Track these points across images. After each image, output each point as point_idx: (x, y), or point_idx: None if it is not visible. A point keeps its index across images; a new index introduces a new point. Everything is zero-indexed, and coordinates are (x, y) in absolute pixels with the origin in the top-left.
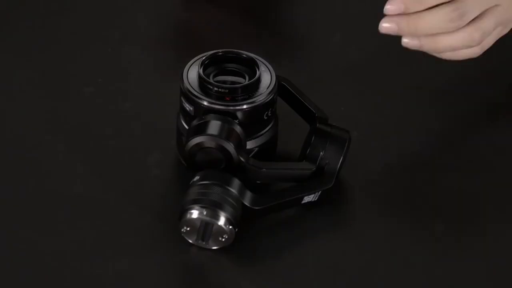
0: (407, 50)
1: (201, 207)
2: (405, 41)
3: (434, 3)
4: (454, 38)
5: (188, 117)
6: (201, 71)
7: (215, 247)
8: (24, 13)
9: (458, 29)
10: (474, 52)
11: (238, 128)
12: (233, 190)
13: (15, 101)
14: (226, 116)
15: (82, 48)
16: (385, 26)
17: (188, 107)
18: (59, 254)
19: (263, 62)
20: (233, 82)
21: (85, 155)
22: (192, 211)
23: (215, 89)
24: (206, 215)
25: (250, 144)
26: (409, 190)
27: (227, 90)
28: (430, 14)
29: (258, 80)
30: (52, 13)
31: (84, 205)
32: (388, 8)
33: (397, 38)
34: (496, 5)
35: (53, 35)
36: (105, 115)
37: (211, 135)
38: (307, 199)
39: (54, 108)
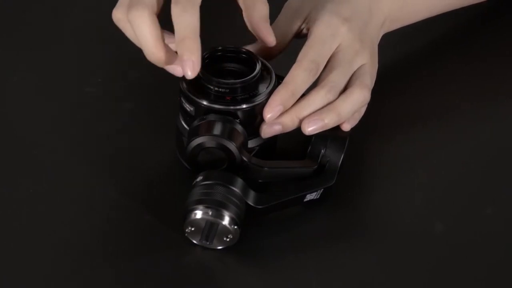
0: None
1: (206, 207)
2: (309, 130)
3: (302, 91)
4: (350, 105)
5: (188, 117)
6: (201, 71)
7: (219, 247)
8: (24, 13)
9: (348, 96)
10: (367, 99)
11: (239, 128)
12: (237, 190)
13: (15, 101)
14: (227, 116)
15: (82, 48)
16: (270, 130)
17: (188, 107)
18: (60, 255)
19: (262, 62)
20: (233, 83)
21: (85, 155)
22: (197, 211)
23: (216, 89)
24: (211, 215)
25: (250, 144)
26: (410, 188)
27: (228, 90)
28: (308, 103)
29: (258, 79)
30: (52, 12)
31: (84, 206)
32: (270, 116)
33: (397, 40)
34: (362, 65)
35: (53, 35)
36: (105, 115)
37: (213, 135)
38: (309, 197)
39: (54, 108)
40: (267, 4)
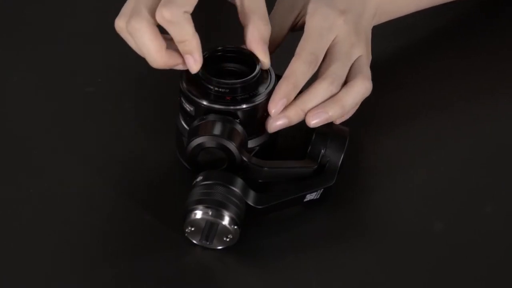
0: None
1: (206, 207)
2: (314, 123)
3: (303, 83)
4: (353, 97)
5: (188, 118)
6: (201, 71)
7: (219, 247)
8: (24, 13)
9: (351, 88)
10: (369, 90)
11: (239, 128)
12: (237, 190)
13: (15, 101)
14: (227, 116)
15: (82, 48)
16: (276, 124)
17: (188, 107)
18: (59, 256)
19: None
20: (233, 83)
21: (85, 155)
22: (196, 211)
23: (216, 89)
24: (211, 215)
25: (250, 144)
26: (410, 187)
27: (228, 90)
28: (312, 96)
29: (258, 79)
30: (52, 12)
31: (84, 206)
32: (275, 110)
33: (401, 39)
34: (359, 57)
35: (53, 35)
36: (105, 115)
37: (213, 135)
38: (309, 197)
39: (54, 108)
40: (269, 26)
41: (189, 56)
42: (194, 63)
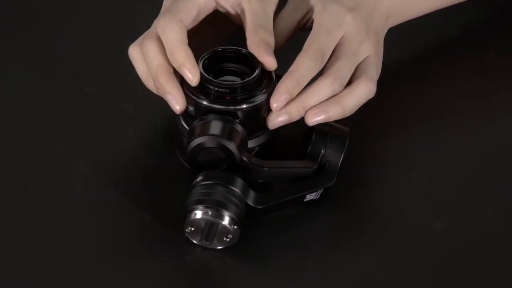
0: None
1: (205, 207)
2: (312, 121)
3: (308, 80)
4: (355, 98)
5: (188, 117)
6: (201, 71)
7: (219, 247)
8: (24, 13)
9: (354, 89)
10: (373, 92)
11: (239, 128)
12: (237, 190)
13: (16, 101)
14: (227, 116)
15: (83, 48)
16: (277, 121)
17: (188, 107)
18: (59, 256)
19: None
20: (233, 83)
21: (85, 155)
22: (196, 211)
23: (216, 88)
24: (211, 215)
25: (250, 144)
26: (410, 187)
27: (228, 90)
28: (313, 93)
29: (258, 79)
30: (53, 13)
31: (84, 206)
32: (276, 106)
33: (401, 39)
34: (367, 57)
35: (54, 35)
36: (105, 115)
37: (213, 135)
38: (309, 197)
39: (55, 108)
40: (272, 35)
41: (184, 69)
42: (189, 73)
